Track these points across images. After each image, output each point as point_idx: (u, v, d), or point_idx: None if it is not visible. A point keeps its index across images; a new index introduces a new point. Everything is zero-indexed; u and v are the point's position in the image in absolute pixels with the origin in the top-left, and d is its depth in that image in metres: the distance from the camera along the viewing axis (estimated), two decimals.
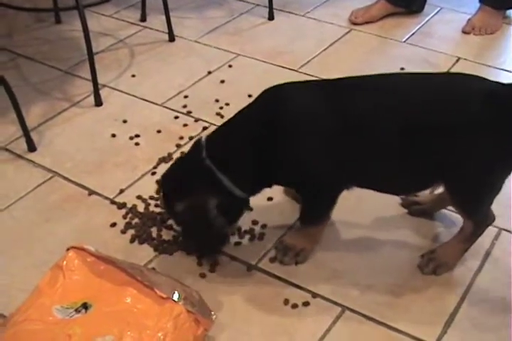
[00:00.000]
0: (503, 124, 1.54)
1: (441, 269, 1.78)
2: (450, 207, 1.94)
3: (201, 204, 1.64)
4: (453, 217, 1.93)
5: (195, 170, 1.67)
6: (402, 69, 2.62)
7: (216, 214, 1.65)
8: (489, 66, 2.67)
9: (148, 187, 2.05)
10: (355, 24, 2.99)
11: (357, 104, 1.58)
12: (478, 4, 2.97)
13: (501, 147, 1.56)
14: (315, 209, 1.78)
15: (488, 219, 1.75)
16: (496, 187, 1.65)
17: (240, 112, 1.70)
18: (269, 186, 1.77)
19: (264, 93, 1.68)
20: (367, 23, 2.99)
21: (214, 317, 1.58)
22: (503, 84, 1.59)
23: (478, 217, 1.73)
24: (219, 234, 1.73)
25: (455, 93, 1.57)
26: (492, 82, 1.60)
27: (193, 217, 1.68)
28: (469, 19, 2.96)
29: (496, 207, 1.81)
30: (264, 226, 1.92)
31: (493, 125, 1.54)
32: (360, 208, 1.97)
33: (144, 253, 1.83)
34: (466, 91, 1.56)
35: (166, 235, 1.89)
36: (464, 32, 2.92)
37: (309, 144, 1.60)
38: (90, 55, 2.39)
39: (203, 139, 1.69)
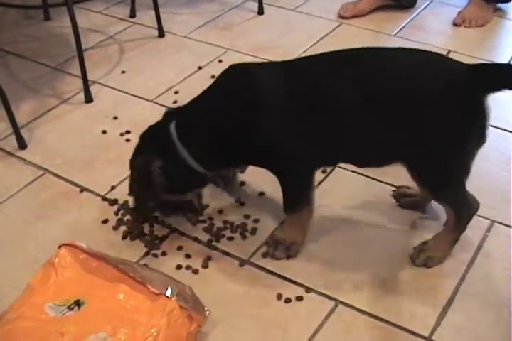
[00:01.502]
0: (467, 101, 1.57)
1: (432, 261, 1.79)
2: None
3: (146, 164, 1.72)
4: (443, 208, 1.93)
5: (159, 136, 1.75)
6: None
7: (158, 175, 1.71)
8: (480, 59, 2.67)
9: None
10: (343, 18, 2.98)
11: (321, 77, 1.61)
12: None
13: (464, 125, 1.58)
14: (291, 190, 1.77)
15: (470, 207, 1.75)
16: (460, 168, 1.66)
17: (209, 87, 1.75)
18: (235, 165, 1.83)
19: (228, 70, 1.73)
20: (356, 16, 2.99)
21: (207, 313, 1.58)
22: (464, 64, 1.62)
23: (451, 201, 1.73)
24: (157, 196, 1.79)
25: (421, 68, 1.58)
26: (456, 61, 1.63)
27: (137, 173, 1.78)
28: (460, 12, 2.96)
29: (488, 199, 1.83)
30: (256, 220, 1.92)
31: (458, 102, 1.56)
32: (352, 201, 1.97)
33: (136, 250, 1.83)
34: (431, 68, 1.59)
35: (158, 231, 1.88)
36: (455, 24, 2.92)
37: (275, 117, 1.62)
38: (80, 51, 2.38)
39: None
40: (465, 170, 1.66)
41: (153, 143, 1.76)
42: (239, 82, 1.69)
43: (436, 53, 1.66)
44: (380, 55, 1.64)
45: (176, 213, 1.92)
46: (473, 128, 1.60)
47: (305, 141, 1.63)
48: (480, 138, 1.62)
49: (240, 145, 1.67)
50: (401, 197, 1.98)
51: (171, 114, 1.79)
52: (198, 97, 1.77)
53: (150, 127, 1.81)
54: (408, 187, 1.97)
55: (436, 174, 1.66)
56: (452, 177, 1.68)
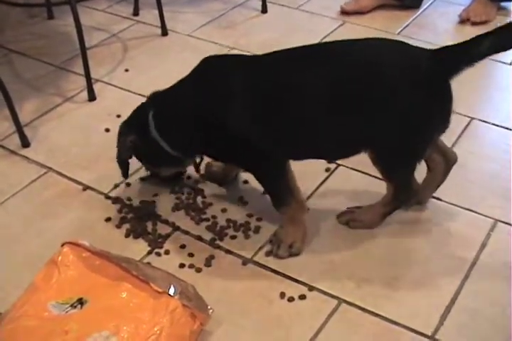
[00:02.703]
0: (433, 86, 1.60)
1: (354, 223, 1.88)
2: (438, 196, 1.96)
3: (122, 135, 1.87)
4: (446, 208, 1.94)
5: (140, 115, 1.86)
6: None
7: (128, 148, 1.86)
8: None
9: (143, 181, 2.05)
10: (345, 13, 2.99)
11: (289, 72, 1.65)
12: None
13: (430, 109, 1.62)
14: (266, 183, 1.81)
15: (410, 192, 1.81)
16: (420, 152, 1.71)
17: (185, 76, 1.81)
18: (205, 154, 1.89)
19: (203, 62, 1.79)
20: (357, 13, 2.99)
21: (210, 311, 1.58)
22: (427, 49, 1.65)
23: (398, 181, 1.78)
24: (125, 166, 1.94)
25: (386, 56, 1.62)
26: (419, 47, 1.66)
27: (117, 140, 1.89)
28: (464, 10, 2.97)
29: (491, 198, 1.82)
30: (259, 219, 1.91)
31: (424, 87, 1.59)
32: (355, 200, 1.96)
33: (139, 248, 1.83)
34: (396, 55, 1.63)
35: (161, 230, 1.88)
36: (461, 19, 2.92)
37: (239, 110, 1.66)
38: (83, 49, 2.38)
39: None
40: (422, 155, 1.73)
41: (134, 120, 1.87)
42: (210, 74, 1.76)
43: (399, 41, 1.70)
44: (346, 47, 1.70)
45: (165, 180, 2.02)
46: (438, 113, 1.64)
47: (272, 133, 1.67)
48: (444, 123, 1.67)
49: (204, 136, 1.72)
50: None
51: (154, 95, 1.87)
52: (174, 85, 1.82)
53: (142, 104, 1.90)
54: None
55: (396, 157, 1.71)
56: (409, 161, 1.73)
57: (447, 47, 1.62)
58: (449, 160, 1.88)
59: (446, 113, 1.65)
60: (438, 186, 1.92)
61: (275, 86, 1.66)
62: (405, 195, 1.82)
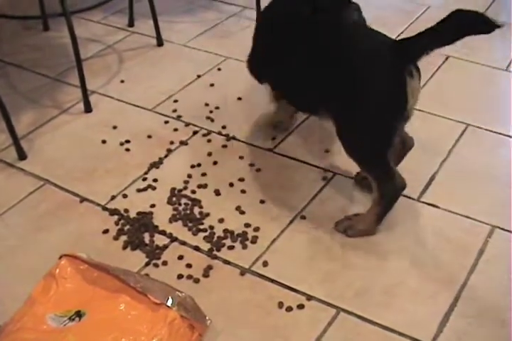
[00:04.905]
0: (392, 70, 1.68)
1: (352, 230, 1.89)
2: (435, 203, 1.95)
3: None
4: (443, 214, 1.93)
5: None
6: None
7: None
8: (480, 64, 2.68)
9: (140, 192, 2.05)
10: None
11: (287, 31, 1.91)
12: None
13: (387, 90, 1.68)
14: None
15: (395, 184, 1.81)
16: (382, 137, 1.74)
17: None
18: None
19: None
20: None
21: (208, 322, 1.58)
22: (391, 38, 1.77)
23: (375, 171, 1.81)
24: None
25: (363, 36, 1.80)
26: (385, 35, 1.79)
27: None
28: None
29: (488, 204, 1.82)
30: (256, 229, 1.91)
31: (384, 68, 1.69)
32: (352, 208, 1.97)
33: (137, 259, 1.83)
34: (370, 38, 1.78)
35: (159, 241, 1.88)
36: None
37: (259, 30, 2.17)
38: (78, 61, 2.38)
39: None
40: (387, 142, 1.74)
41: None
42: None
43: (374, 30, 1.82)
44: (336, 23, 1.86)
45: None
46: (395, 96, 1.69)
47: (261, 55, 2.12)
48: (403, 107, 1.70)
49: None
50: (362, 180, 2.03)
51: None
52: None
53: None
54: None
55: (360, 141, 1.76)
56: (375, 147, 1.76)
57: (404, 39, 1.72)
58: (406, 144, 1.93)
59: (404, 98, 1.68)
60: None
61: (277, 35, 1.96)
62: (390, 189, 1.82)
